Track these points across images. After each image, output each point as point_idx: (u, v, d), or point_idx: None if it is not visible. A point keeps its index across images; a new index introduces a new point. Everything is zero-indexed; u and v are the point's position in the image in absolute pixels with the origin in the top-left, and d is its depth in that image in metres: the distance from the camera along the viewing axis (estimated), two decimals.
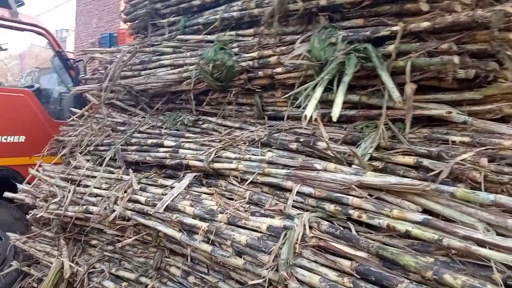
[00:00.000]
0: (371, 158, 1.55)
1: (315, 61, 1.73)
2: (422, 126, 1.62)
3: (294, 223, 1.40)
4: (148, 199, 1.90)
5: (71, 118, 3.04)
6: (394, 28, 1.54)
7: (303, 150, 1.77)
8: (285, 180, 1.59)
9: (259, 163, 1.71)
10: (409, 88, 1.46)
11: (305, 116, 1.44)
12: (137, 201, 1.94)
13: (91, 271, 2.10)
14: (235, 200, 1.70)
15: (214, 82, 2.17)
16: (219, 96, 2.32)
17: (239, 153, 1.84)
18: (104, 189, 2.13)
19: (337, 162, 1.58)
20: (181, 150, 2.08)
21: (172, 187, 1.96)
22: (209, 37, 2.34)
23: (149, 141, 2.26)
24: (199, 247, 1.61)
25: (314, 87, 1.61)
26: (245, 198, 1.68)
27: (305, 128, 1.86)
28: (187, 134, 2.24)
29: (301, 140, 1.73)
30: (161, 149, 2.18)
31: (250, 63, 2.05)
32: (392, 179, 1.35)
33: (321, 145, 1.70)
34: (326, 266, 1.28)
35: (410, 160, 1.45)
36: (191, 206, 1.73)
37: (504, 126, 1.44)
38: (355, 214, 1.36)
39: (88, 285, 2.05)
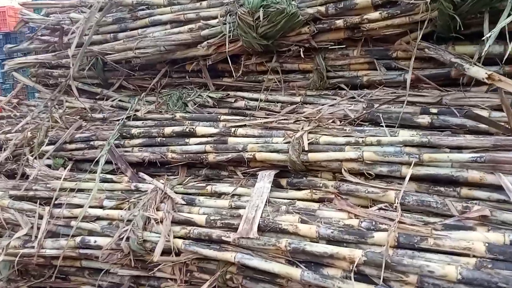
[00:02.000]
0: None
1: None
2: None
3: None
4: (211, 218, 1.19)
5: None
6: None
7: (440, 125, 1.23)
8: (464, 170, 1.03)
9: (399, 147, 1.12)
10: None
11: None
12: (188, 223, 1.21)
13: None
14: (377, 207, 1.09)
15: (259, 40, 1.50)
16: (256, 62, 1.65)
17: (346, 136, 1.22)
18: (112, 208, 1.34)
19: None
20: (231, 139, 1.38)
21: (239, 196, 1.27)
22: None
23: (167, 130, 1.50)
24: None
25: None
26: (391, 203, 1.08)
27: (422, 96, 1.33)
28: (224, 117, 1.53)
29: (464, 110, 1.17)
30: (193, 140, 1.44)
31: (322, 9, 1.43)
32: None
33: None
34: None
35: None
36: (303, 222, 1.08)
37: None
38: None
39: None
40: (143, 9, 1.80)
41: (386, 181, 1.15)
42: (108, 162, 1.56)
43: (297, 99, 1.53)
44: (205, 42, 1.61)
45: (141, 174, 1.46)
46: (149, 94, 1.89)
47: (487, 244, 0.90)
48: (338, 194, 1.12)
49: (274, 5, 1.43)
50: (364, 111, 1.34)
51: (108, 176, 1.49)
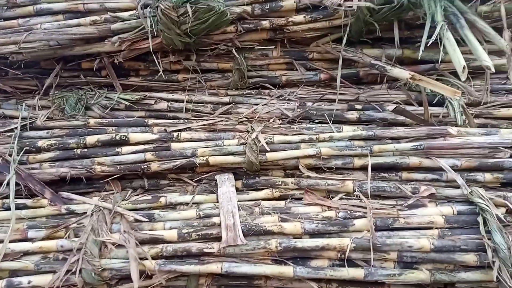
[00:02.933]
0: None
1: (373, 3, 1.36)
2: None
3: (480, 203, 1.10)
4: (183, 232, 1.11)
5: None
6: None
7: (366, 120, 1.42)
8: (406, 157, 1.23)
9: (349, 142, 1.26)
10: (508, 35, 1.35)
11: (464, 66, 1.12)
12: (156, 241, 1.10)
13: None
14: (341, 198, 1.20)
15: (182, 37, 1.44)
16: (173, 60, 1.57)
17: (298, 134, 1.30)
18: (44, 239, 1.11)
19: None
20: (175, 145, 1.30)
21: (197, 204, 1.21)
22: None
23: (90, 140, 1.30)
24: (341, 275, 1.06)
25: None
26: (350, 192, 1.21)
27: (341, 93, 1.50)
28: (151, 121, 1.42)
29: (381, 106, 1.37)
30: (126, 149, 1.30)
31: (248, 9, 1.45)
32: None
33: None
34: None
35: None
36: (284, 220, 1.12)
37: None
38: None
39: None
40: None
41: (338, 173, 1.27)
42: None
43: (225, 99, 1.52)
44: (116, 37, 1.45)
45: (64, 194, 1.24)
46: (29, 97, 1.60)
47: (444, 216, 1.10)
48: (308, 190, 1.19)
49: (203, 1, 1.38)
50: (300, 110, 1.42)
51: (18, 201, 1.21)
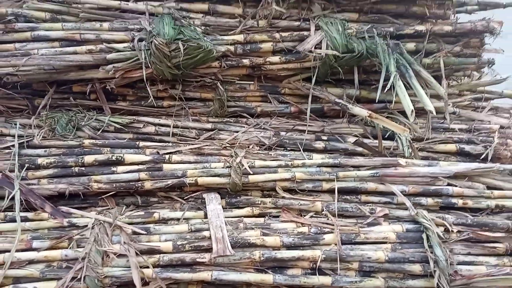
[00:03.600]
0: None
1: (338, 52, 1.62)
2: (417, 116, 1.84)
3: (424, 223, 1.35)
4: (178, 244, 1.27)
5: None
6: (419, 28, 1.68)
7: (331, 149, 1.66)
8: (365, 183, 1.47)
9: (318, 168, 1.48)
10: (445, 83, 1.66)
11: (412, 110, 1.39)
12: (153, 251, 1.25)
13: None
14: (312, 216, 1.42)
15: (172, 70, 1.62)
16: (160, 89, 1.74)
17: (275, 160, 1.50)
18: (49, 249, 1.22)
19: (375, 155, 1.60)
20: (166, 166, 1.46)
21: (187, 219, 1.37)
22: (130, 5, 1.68)
23: (88, 159, 1.44)
24: (312, 282, 1.27)
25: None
26: (318, 211, 1.43)
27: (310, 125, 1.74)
28: (142, 144, 1.57)
29: (353, 138, 1.61)
30: (121, 168, 1.44)
31: (231, 48, 1.66)
32: (471, 165, 1.53)
33: (352, 140, 1.65)
34: (482, 255, 1.34)
35: (452, 147, 1.66)
36: (265, 235, 1.31)
37: (481, 114, 1.87)
38: (459, 202, 1.46)
39: None
40: (29, 21, 1.61)
41: (309, 195, 1.48)
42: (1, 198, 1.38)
43: (208, 125, 1.70)
44: (111, 66, 1.59)
45: (63, 208, 1.36)
46: (18, 116, 1.70)
47: (395, 233, 1.34)
48: (285, 209, 1.39)
49: (194, 40, 1.57)
50: (275, 139, 1.63)
51: (20, 214, 1.31)
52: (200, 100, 1.78)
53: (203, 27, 1.66)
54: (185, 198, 1.45)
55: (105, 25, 1.62)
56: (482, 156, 1.63)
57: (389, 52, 1.56)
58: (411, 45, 1.68)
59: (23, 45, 1.59)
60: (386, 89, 1.51)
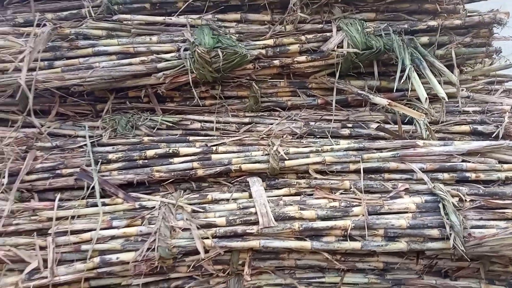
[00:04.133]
0: None
1: (358, 49, 1.83)
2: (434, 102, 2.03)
3: (440, 194, 1.56)
4: (230, 219, 1.52)
5: None
6: (431, 23, 1.87)
7: (355, 135, 1.87)
8: (387, 163, 1.68)
9: (345, 152, 1.70)
10: (457, 71, 1.84)
11: (426, 98, 1.60)
12: (210, 225, 1.51)
13: None
14: (341, 193, 1.64)
15: (212, 73, 1.87)
16: (203, 90, 1.99)
17: (307, 146, 1.73)
18: (126, 227, 1.50)
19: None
20: (214, 156, 1.72)
21: (235, 199, 1.62)
22: (174, 19, 1.94)
23: (150, 153, 1.71)
24: (345, 247, 1.50)
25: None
26: (347, 189, 1.65)
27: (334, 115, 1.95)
28: (191, 138, 1.83)
29: (375, 124, 1.82)
30: (177, 159, 1.71)
31: (263, 51, 1.90)
32: (483, 143, 1.71)
33: (374, 127, 1.87)
34: (493, 220, 1.53)
35: (466, 128, 1.85)
36: (302, 209, 1.54)
37: (493, 97, 2.04)
38: (473, 176, 1.65)
39: None
40: (87, 39, 1.88)
41: (337, 175, 1.71)
42: (78, 188, 1.67)
43: (245, 120, 1.94)
44: (161, 73, 1.85)
45: (133, 194, 1.63)
46: (83, 120, 1.99)
47: (415, 204, 1.55)
48: (318, 187, 1.62)
49: (230, 47, 1.81)
50: (305, 128, 1.86)
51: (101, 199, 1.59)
52: (237, 98, 2.02)
53: (237, 35, 1.90)
54: (232, 182, 1.70)
55: (154, 38, 1.88)
56: (494, 134, 1.81)
57: (404, 47, 1.77)
58: (424, 39, 1.88)
59: (86, 60, 1.87)
60: (403, 80, 1.72)
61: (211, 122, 1.93)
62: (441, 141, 1.75)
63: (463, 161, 1.70)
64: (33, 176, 1.66)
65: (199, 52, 1.79)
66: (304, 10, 1.90)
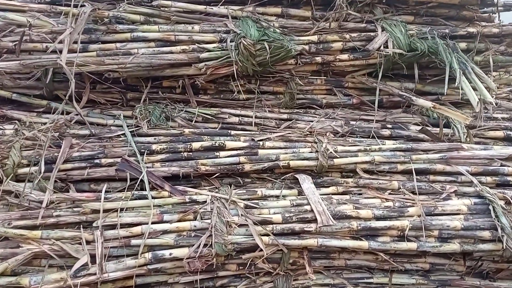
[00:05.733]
0: None
1: (404, 50, 1.84)
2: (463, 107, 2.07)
3: (489, 197, 1.58)
4: (286, 216, 1.48)
5: None
6: (470, 29, 1.91)
7: (396, 136, 1.87)
8: (433, 164, 1.69)
9: (393, 152, 1.70)
10: (492, 78, 1.88)
11: (477, 102, 1.62)
12: (266, 222, 1.45)
13: None
14: (390, 193, 1.63)
15: (254, 66, 1.82)
16: (241, 83, 1.93)
17: (354, 145, 1.72)
18: (179, 221, 1.42)
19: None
20: (261, 151, 1.67)
21: (283, 196, 1.58)
22: (215, 9, 1.88)
23: (195, 145, 1.63)
24: (401, 247, 1.49)
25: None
26: (395, 189, 1.65)
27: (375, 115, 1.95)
28: (233, 132, 1.78)
29: (419, 126, 1.83)
30: (223, 153, 1.65)
31: (306, 47, 1.87)
32: None
33: (413, 128, 1.88)
34: None
35: (500, 133, 1.89)
36: (357, 208, 1.52)
37: None
38: None
39: None
40: (121, 23, 1.79)
41: (383, 175, 1.70)
42: (121, 179, 1.58)
43: (284, 116, 1.90)
44: (203, 64, 1.79)
45: (179, 187, 1.55)
46: (110, 108, 1.89)
47: (466, 206, 1.57)
48: (370, 187, 1.60)
49: (278, 40, 1.77)
50: (346, 127, 1.85)
51: (144, 192, 1.51)
52: (272, 93, 1.98)
53: (280, 29, 1.86)
54: (281, 178, 1.65)
55: (196, 27, 1.81)
56: None
57: (449, 51, 1.78)
58: (463, 45, 1.91)
59: (123, 45, 1.77)
60: (437, 81, 1.74)
61: (249, 116, 1.88)
62: (481, 145, 1.78)
63: (501, 165, 1.73)
64: (69, 165, 1.54)
65: (245, 44, 1.74)
66: (348, 8, 1.88)
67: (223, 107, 1.93)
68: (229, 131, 1.76)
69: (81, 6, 1.70)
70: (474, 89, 1.70)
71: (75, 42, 1.69)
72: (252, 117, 1.87)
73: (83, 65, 1.66)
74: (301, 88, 1.97)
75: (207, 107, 1.91)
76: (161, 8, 1.84)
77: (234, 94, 1.95)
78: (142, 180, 1.53)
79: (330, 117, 1.93)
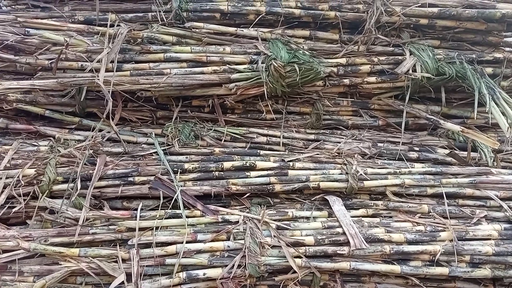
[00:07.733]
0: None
1: (432, 75, 1.86)
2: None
3: None
4: (318, 238, 1.48)
5: None
6: (497, 55, 1.93)
7: (423, 159, 1.88)
8: (463, 188, 1.70)
9: (423, 175, 1.71)
10: None
11: (508, 127, 1.63)
12: (298, 244, 1.46)
13: None
14: (420, 217, 1.63)
15: (283, 88, 1.85)
16: (269, 103, 1.95)
17: (384, 168, 1.73)
18: (213, 240, 1.43)
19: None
20: (291, 172, 1.68)
21: (314, 218, 1.59)
22: (245, 31, 1.92)
23: (227, 165, 1.65)
24: (433, 272, 1.48)
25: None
26: (425, 213, 1.65)
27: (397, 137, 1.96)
28: (262, 152, 1.79)
29: (446, 149, 1.84)
30: (253, 173, 1.66)
31: (335, 69, 1.89)
32: None
33: (440, 152, 1.89)
34: None
35: None
36: (389, 232, 1.53)
37: None
38: None
39: None
40: (153, 43, 1.82)
41: (412, 199, 1.70)
42: (153, 197, 1.59)
43: (311, 136, 1.92)
44: (233, 84, 1.81)
45: (211, 206, 1.57)
46: (140, 126, 1.92)
47: (497, 231, 1.57)
48: (401, 210, 1.61)
49: (308, 63, 1.80)
50: (374, 149, 1.86)
51: (177, 211, 1.52)
52: (298, 114, 2.00)
53: (309, 51, 1.89)
54: (312, 200, 1.66)
55: (227, 48, 1.84)
56: None
57: (477, 76, 1.80)
58: (489, 70, 1.93)
59: (156, 65, 1.80)
60: (462, 105, 1.77)
61: (276, 136, 1.90)
62: (510, 170, 1.78)
63: None
64: (103, 183, 1.56)
65: (275, 65, 1.77)
66: (376, 32, 1.91)
67: (250, 126, 1.95)
68: (259, 151, 1.78)
69: (117, 26, 1.74)
70: (503, 113, 1.71)
71: (111, 62, 1.73)
72: (279, 137, 1.89)
73: (118, 84, 1.70)
74: (327, 109, 1.99)
75: (234, 126, 1.94)
76: (193, 30, 1.88)
77: (262, 114, 1.97)
78: (174, 199, 1.55)
79: (357, 138, 1.94)
